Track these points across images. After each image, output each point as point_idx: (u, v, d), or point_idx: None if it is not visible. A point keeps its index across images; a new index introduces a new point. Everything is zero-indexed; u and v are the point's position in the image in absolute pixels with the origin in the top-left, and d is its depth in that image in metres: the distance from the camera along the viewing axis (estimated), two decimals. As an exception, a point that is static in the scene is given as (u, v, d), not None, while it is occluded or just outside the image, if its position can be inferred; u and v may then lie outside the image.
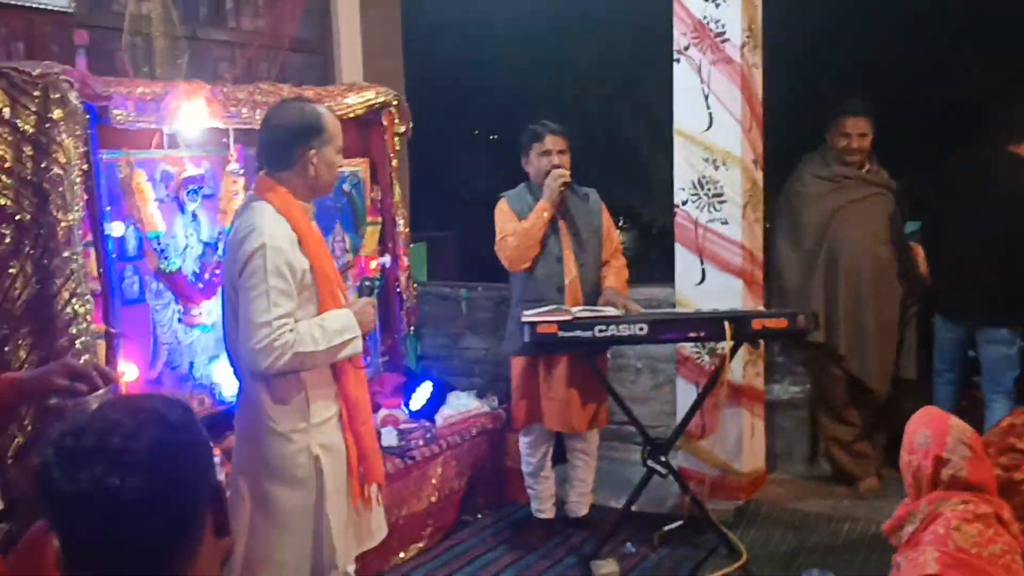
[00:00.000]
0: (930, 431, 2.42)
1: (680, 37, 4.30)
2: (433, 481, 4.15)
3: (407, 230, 4.70)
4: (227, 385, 3.98)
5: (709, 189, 4.32)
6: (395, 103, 4.52)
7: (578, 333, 3.60)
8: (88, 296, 3.01)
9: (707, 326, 3.72)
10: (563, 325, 3.60)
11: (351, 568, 2.95)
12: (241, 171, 3.93)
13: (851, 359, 4.36)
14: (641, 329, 3.63)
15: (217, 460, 3.10)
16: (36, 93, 2.87)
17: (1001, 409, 4.06)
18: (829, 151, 4.47)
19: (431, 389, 4.48)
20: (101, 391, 2.03)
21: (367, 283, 2.89)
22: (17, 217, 2.89)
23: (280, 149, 2.68)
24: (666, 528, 4.04)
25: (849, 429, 4.48)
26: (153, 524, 1.10)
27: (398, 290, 4.65)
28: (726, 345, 3.64)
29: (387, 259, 4.63)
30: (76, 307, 2.95)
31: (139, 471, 1.08)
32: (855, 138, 4.35)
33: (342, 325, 2.66)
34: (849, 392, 4.45)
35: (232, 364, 2.82)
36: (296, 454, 2.66)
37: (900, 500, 2.59)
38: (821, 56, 5.90)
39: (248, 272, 2.55)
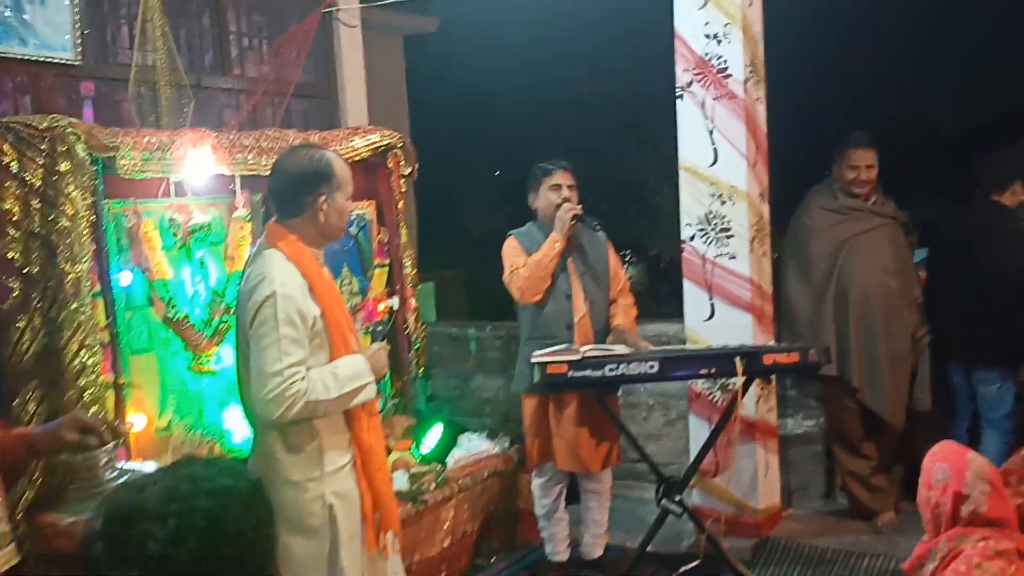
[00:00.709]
0: (948, 466, 2.39)
1: (683, 74, 4.32)
2: (446, 525, 4.10)
3: (414, 271, 4.70)
4: (237, 432, 3.96)
5: (716, 224, 4.31)
6: (400, 145, 4.54)
7: (588, 372, 3.57)
8: (96, 347, 3.01)
9: (718, 362, 3.69)
10: (573, 365, 3.58)
11: None
12: (248, 217, 3.94)
13: (865, 392, 4.32)
14: (652, 367, 3.60)
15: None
16: (43, 146, 2.89)
17: (992, 441, 4.30)
18: (835, 183, 4.47)
19: (442, 431, 4.45)
20: (110, 446, 2.03)
21: (379, 328, 2.89)
22: (25, 270, 2.90)
23: (290, 196, 2.68)
24: (683, 568, 3.97)
25: (865, 463, 4.43)
26: None
27: (406, 332, 4.64)
28: (738, 381, 3.61)
29: (395, 301, 4.62)
30: (85, 359, 2.95)
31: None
32: (862, 170, 4.35)
33: (354, 372, 2.65)
34: (864, 425, 4.40)
35: (245, 413, 2.81)
36: (310, 503, 2.64)
37: (919, 535, 2.55)
38: (824, 89, 5.93)
39: (259, 321, 2.54)
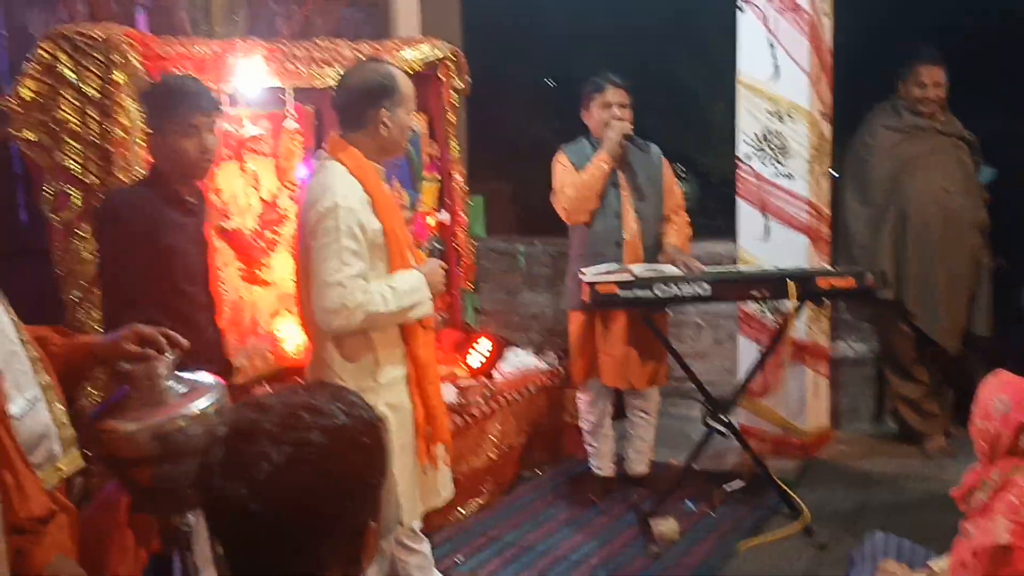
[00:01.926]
0: (1007, 396, 2.34)
1: (745, -16, 4.16)
2: (492, 438, 4.17)
3: (465, 185, 4.67)
4: (289, 341, 4.03)
5: (774, 142, 4.20)
6: (452, 57, 4.46)
7: (638, 292, 3.55)
8: (152, 257, 3.04)
9: (771, 285, 3.64)
10: (623, 285, 3.56)
11: (417, 525, 3.00)
12: (300, 129, 3.93)
13: (920, 316, 4.25)
14: (703, 289, 3.57)
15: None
16: (99, 56, 2.88)
17: None
18: (901, 101, 4.32)
19: (489, 346, 4.48)
20: (168, 355, 2.07)
21: (437, 244, 2.89)
22: (84, 180, 2.93)
23: (353, 109, 2.71)
24: (727, 487, 4.01)
25: (917, 387, 4.39)
26: (274, 551, 1.12)
27: (455, 245, 4.64)
28: (790, 305, 3.57)
29: (445, 215, 4.61)
30: (141, 268, 2.98)
31: (277, 505, 1.09)
32: (930, 87, 4.20)
33: (411, 286, 2.69)
34: (918, 349, 4.35)
35: (302, 322, 2.85)
36: None
37: (968, 460, 2.53)
38: (892, 3, 5.67)
39: (320, 232, 2.58)
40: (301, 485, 1.09)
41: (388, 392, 2.73)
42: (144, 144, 3.02)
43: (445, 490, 3.00)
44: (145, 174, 2.79)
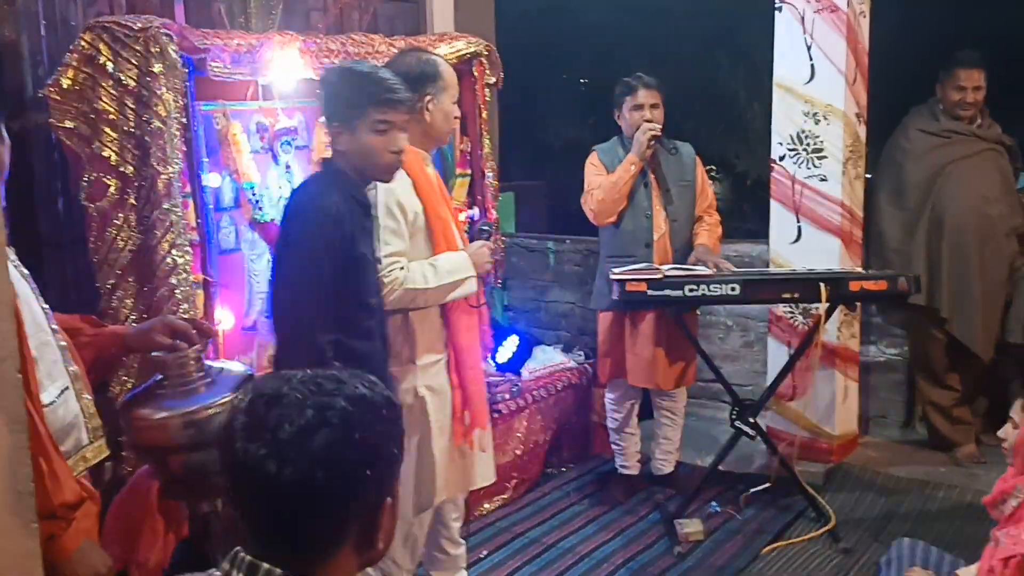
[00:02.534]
0: (1040, 406, 2.32)
1: (783, -16, 4.13)
2: (518, 434, 4.18)
3: (496, 182, 4.68)
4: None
5: (809, 144, 4.16)
6: (486, 53, 4.46)
7: (668, 292, 3.54)
8: (187, 247, 3.08)
9: (802, 287, 3.61)
10: (652, 283, 3.55)
11: (455, 514, 3.07)
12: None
13: (954, 322, 4.20)
14: (733, 289, 3.55)
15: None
16: (137, 47, 2.91)
17: None
18: (938, 104, 4.26)
19: (517, 342, 4.49)
20: (198, 345, 2.10)
21: (485, 227, 2.99)
22: (121, 169, 2.96)
23: None
24: (753, 489, 3.99)
25: (949, 394, 4.34)
26: (291, 515, 1.14)
27: (486, 241, 4.64)
28: (821, 307, 3.54)
29: (476, 211, 4.61)
30: (176, 257, 3.02)
31: (296, 466, 1.10)
32: (969, 91, 4.14)
33: (454, 265, 2.74)
34: (950, 355, 4.30)
35: None
36: (403, 393, 2.76)
37: (999, 469, 2.50)
38: (933, 2, 5.59)
39: None
40: (323, 447, 1.11)
41: (426, 374, 2.80)
42: (180, 134, 3.06)
43: (484, 476, 3.05)
44: (331, 170, 2.56)
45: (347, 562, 1.18)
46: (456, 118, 2.90)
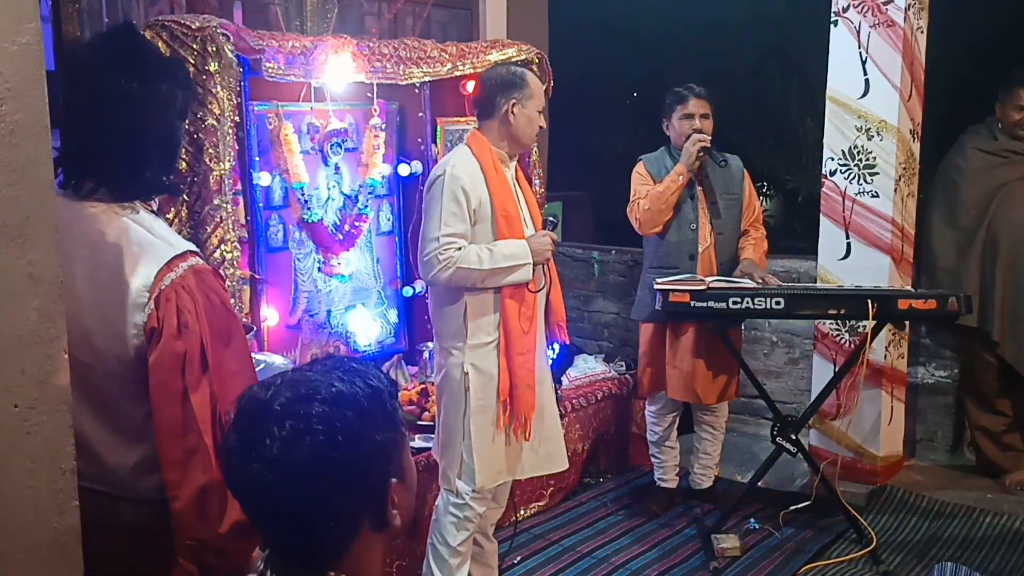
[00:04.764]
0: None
1: (839, -2, 4.08)
2: (557, 442, 4.16)
3: (543, 190, 4.68)
4: (361, 334, 4.10)
5: (861, 159, 4.11)
6: (537, 61, 4.48)
7: (711, 304, 3.51)
8: (236, 243, 3.13)
9: (848, 303, 3.56)
10: (695, 295, 3.52)
11: (501, 497, 3.15)
12: (383, 125, 4.00)
13: (1006, 346, 4.10)
14: (777, 303, 3.51)
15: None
16: (195, 45, 2.98)
17: None
18: (997, 123, 4.18)
19: (559, 351, 4.47)
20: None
21: (550, 218, 3.08)
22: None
23: (486, 100, 3.00)
24: (793, 507, 3.93)
25: (999, 419, 4.23)
26: (301, 520, 1.16)
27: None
28: (868, 324, 3.48)
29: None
30: (225, 252, 3.07)
31: (290, 478, 1.13)
32: (1030, 111, 4.05)
33: (512, 251, 2.89)
34: (1001, 380, 4.20)
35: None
36: (453, 367, 2.93)
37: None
38: (991, 19, 5.48)
39: (429, 196, 2.91)
40: (309, 455, 1.12)
41: (474, 354, 2.92)
42: (233, 133, 3.12)
43: (535, 465, 3.09)
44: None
45: (369, 543, 1.21)
46: (540, 126, 3.04)
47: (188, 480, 1.64)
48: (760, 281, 3.68)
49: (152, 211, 1.82)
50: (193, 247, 1.77)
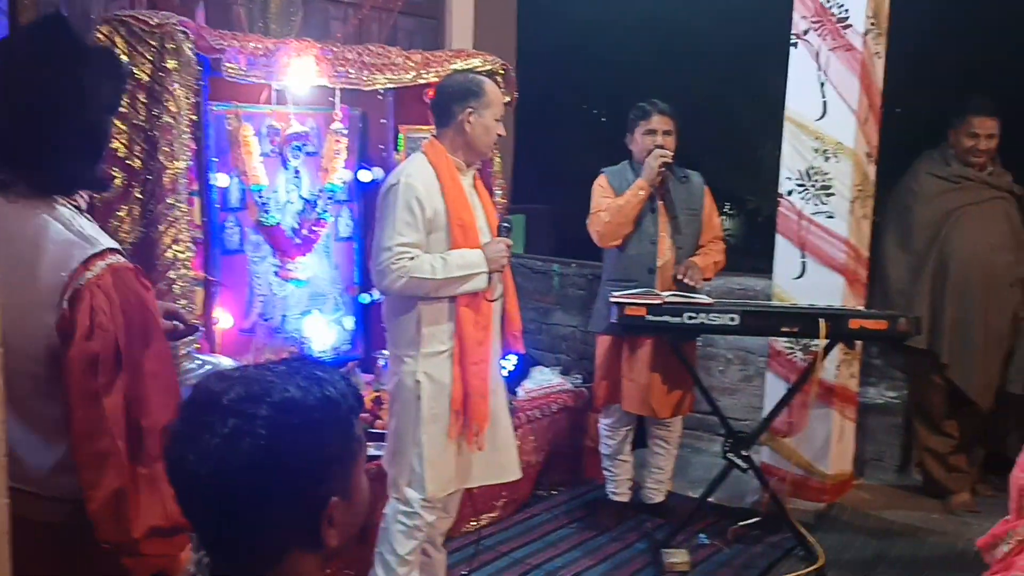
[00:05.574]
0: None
1: (800, 20, 4.14)
2: (510, 453, 4.15)
3: (505, 200, 4.68)
4: (317, 339, 4.06)
5: (817, 180, 4.16)
6: (501, 72, 4.49)
7: (667, 318, 3.53)
8: (190, 243, 3.09)
9: (801, 322, 3.60)
10: (652, 308, 3.53)
11: (451, 506, 3.14)
12: (345, 131, 3.98)
13: (954, 368, 4.17)
14: (732, 319, 3.54)
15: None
16: (153, 42, 2.94)
17: None
18: (950, 149, 4.26)
19: (515, 362, 4.47)
20: (192, 336, 2.10)
21: (504, 224, 3.06)
22: (128, 162, 2.98)
23: (443, 107, 2.98)
24: (742, 523, 3.95)
25: (946, 441, 4.29)
26: (227, 523, 1.12)
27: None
28: (820, 343, 3.52)
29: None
30: (177, 252, 3.02)
31: (223, 476, 1.09)
32: (982, 139, 4.14)
33: (466, 261, 2.86)
34: (949, 402, 4.26)
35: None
36: (405, 375, 2.91)
37: (993, 518, 2.45)
38: (947, 48, 5.60)
39: (383, 204, 2.88)
40: (246, 456, 1.08)
41: (428, 362, 2.90)
42: (190, 132, 3.08)
43: (482, 476, 3.08)
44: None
45: (302, 562, 1.16)
46: (499, 135, 3.03)
47: (102, 483, 1.62)
48: (684, 274, 3.73)
49: (76, 206, 1.78)
50: (114, 244, 1.73)
